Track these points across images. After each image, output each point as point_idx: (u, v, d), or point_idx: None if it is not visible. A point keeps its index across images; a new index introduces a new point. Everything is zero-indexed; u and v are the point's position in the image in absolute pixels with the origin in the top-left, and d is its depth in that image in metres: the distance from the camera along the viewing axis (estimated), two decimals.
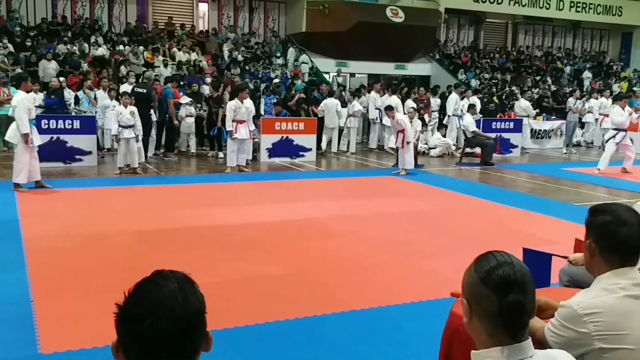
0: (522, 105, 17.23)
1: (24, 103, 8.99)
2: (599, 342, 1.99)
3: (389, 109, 12.66)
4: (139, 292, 1.32)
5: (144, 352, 1.29)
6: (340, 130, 15.65)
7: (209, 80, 15.83)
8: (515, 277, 1.59)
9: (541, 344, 2.05)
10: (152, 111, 12.74)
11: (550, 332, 2.09)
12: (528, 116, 17.15)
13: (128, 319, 1.29)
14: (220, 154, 13.47)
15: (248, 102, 12.05)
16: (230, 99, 12.69)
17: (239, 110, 11.74)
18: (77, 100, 13.48)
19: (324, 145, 15.25)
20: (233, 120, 11.67)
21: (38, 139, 9.40)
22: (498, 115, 16.82)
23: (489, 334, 1.60)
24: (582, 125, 19.06)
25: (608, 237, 2.16)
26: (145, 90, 12.52)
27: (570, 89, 22.32)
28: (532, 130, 17.30)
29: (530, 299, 1.61)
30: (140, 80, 14.21)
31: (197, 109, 14.20)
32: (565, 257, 3.47)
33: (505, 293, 1.58)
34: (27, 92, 9.31)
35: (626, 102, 13.26)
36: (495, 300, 1.58)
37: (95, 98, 13.52)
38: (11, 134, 9.15)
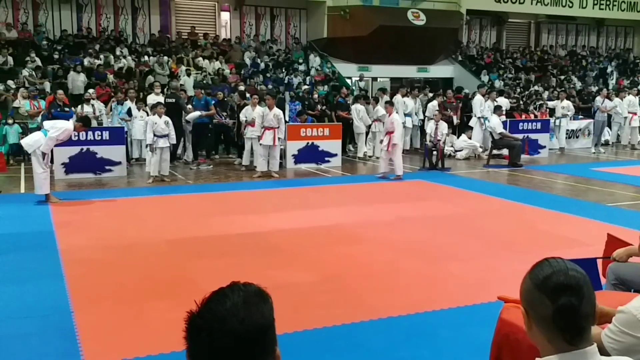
0: (565, 105, 16.92)
1: (62, 134, 9.13)
2: None
3: (390, 104, 12.63)
4: (206, 303, 1.32)
5: None
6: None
7: (242, 88, 15.76)
8: (568, 281, 1.59)
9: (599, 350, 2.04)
10: (183, 120, 12.94)
11: (608, 338, 2.07)
12: (569, 116, 16.90)
13: (190, 329, 1.30)
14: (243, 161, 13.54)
15: (276, 110, 12.36)
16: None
17: (266, 117, 11.98)
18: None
19: (370, 151, 15.24)
20: (262, 127, 12.02)
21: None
22: (523, 116, 16.66)
23: (549, 340, 1.59)
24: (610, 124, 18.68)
25: None
26: (174, 100, 12.75)
27: (597, 87, 22.02)
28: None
29: (586, 303, 1.59)
30: (164, 90, 14.35)
31: (223, 117, 14.30)
32: (608, 258, 3.46)
33: (558, 296, 1.57)
34: (77, 130, 9.68)
35: None
36: (549, 304, 1.57)
37: (129, 110, 13.62)
38: (29, 142, 9.16)
